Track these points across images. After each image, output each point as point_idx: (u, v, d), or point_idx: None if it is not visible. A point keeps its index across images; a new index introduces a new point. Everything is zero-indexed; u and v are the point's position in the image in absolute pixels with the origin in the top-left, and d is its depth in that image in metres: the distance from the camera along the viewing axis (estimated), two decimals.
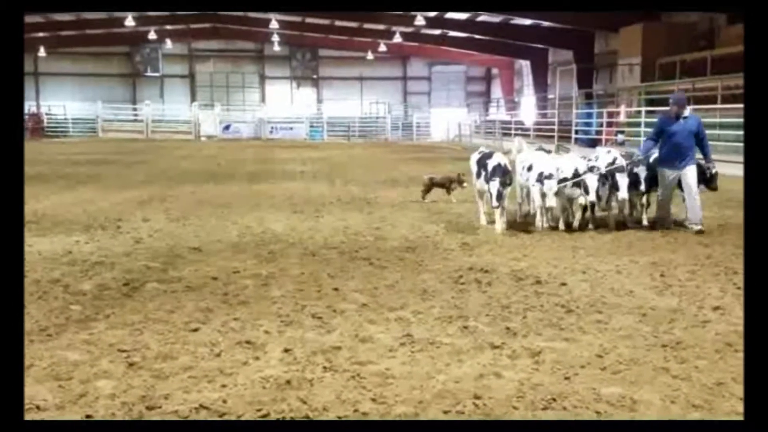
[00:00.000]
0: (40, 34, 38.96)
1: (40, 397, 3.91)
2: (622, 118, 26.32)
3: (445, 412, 3.75)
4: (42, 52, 41.76)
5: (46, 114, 43.96)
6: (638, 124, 24.33)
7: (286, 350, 4.69)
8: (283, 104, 47.30)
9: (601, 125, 27.15)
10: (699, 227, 9.11)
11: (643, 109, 24.57)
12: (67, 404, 3.85)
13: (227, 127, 42.99)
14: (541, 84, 37.40)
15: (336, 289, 6.30)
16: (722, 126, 20.63)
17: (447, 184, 12.71)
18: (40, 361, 4.49)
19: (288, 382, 4.15)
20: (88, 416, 3.70)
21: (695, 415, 3.70)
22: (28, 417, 3.63)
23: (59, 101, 44.23)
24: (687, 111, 9.57)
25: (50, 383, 4.14)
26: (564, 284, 6.50)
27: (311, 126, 43.76)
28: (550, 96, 35.11)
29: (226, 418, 3.68)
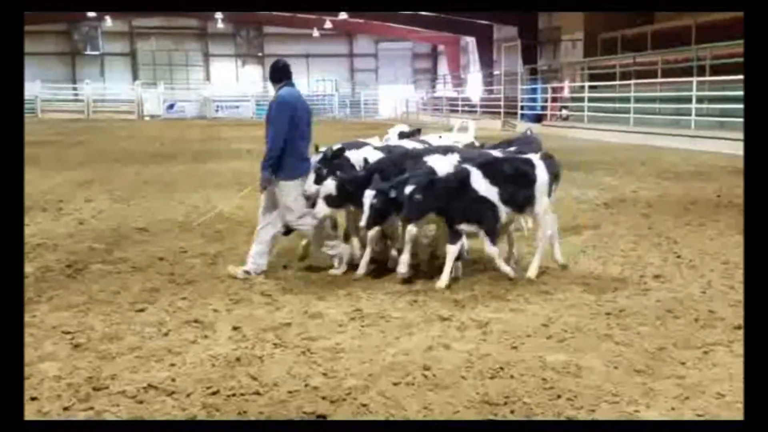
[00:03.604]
0: None
1: None
2: (566, 94, 26.79)
3: (395, 384, 3.79)
4: None
5: None
6: (582, 99, 24.82)
7: (235, 328, 4.67)
8: (228, 83, 46.46)
9: (546, 100, 27.58)
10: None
11: (587, 84, 25.05)
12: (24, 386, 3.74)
13: (171, 107, 41.99)
14: (486, 60, 37.69)
15: (285, 267, 6.27)
16: (662, 100, 21.21)
17: None
18: None
19: (238, 359, 4.13)
20: (33, 398, 3.62)
21: (637, 380, 3.83)
22: None
23: None
24: None
25: None
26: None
27: (257, 104, 43.12)
28: (496, 72, 35.46)
29: (174, 396, 3.64)
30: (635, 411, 3.48)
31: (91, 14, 39.37)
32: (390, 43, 48.43)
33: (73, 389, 3.73)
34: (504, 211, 5.67)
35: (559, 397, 3.64)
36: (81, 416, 3.45)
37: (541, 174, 5.80)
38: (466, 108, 35.42)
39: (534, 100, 28.45)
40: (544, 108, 27.76)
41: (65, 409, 3.51)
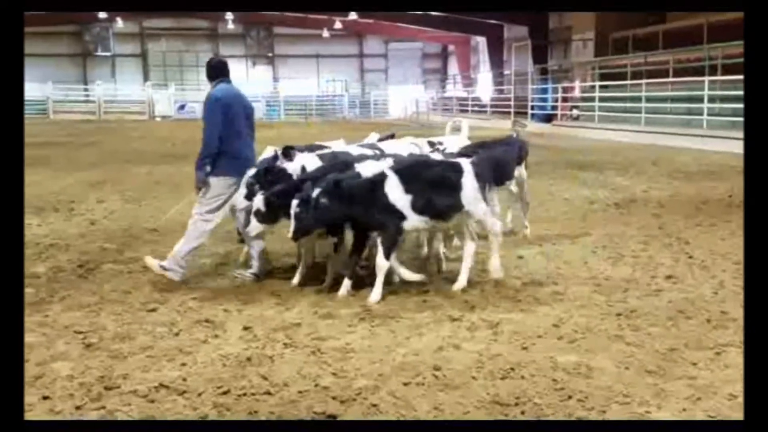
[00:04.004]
0: None
1: None
2: (576, 93, 26.69)
3: (405, 384, 3.79)
4: None
5: None
6: (593, 99, 24.72)
7: (246, 328, 4.68)
8: (238, 83, 46.38)
9: (557, 100, 27.49)
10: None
11: (597, 83, 24.95)
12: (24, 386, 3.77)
13: (182, 107, 42.08)
14: (497, 60, 37.60)
15: (294, 267, 6.27)
16: (673, 99, 21.09)
17: None
18: None
19: (248, 359, 4.14)
20: (45, 397, 3.65)
21: (649, 380, 3.82)
22: None
23: None
24: None
25: None
26: (520, 257, 6.61)
27: (268, 105, 43.19)
28: (506, 72, 35.36)
29: (186, 396, 3.66)
30: (646, 412, 3.47)
31: (103, 15, 39.55)
32: (400, 43, 48.39)
33: (85, 388, 3.75)
34: (417, 220, 5.30)
35: (569, 397, 3.63)
36: (93, 415, 3.48)
37: (469, 181, 5.41)
38: (476, 108, 35.35)
39: (544, 99, 28.35)
40: (554, 108, 27.66)
41: (77, 408, 3.53)
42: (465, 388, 3.74)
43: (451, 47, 47.65)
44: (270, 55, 47.77)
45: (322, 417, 3.46)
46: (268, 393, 3.70)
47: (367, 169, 5.40)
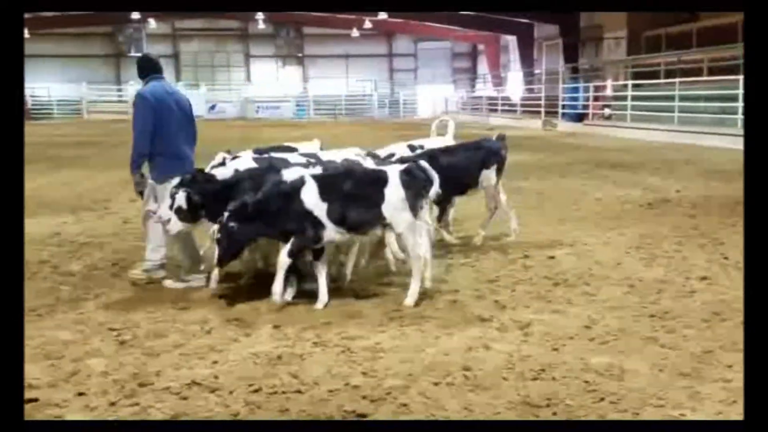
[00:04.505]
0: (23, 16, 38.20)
1: (33, 375, 3.91)
2: (608, 92, 26.36)
3: (435, 384, 3.78)
4: (25, 33, 41.06)
5: (31, 96, 43.31)
6: (625, 98, 24.40)
7: (276, 327, 4.71)
8: (268, 83, 46.90)
9: (588, 99, 27.19)
10: None
11: (630, 82, 24.61)
12: (59, 382, 3.86)
13: (212, 107, 42.58)
14: (527, 59, 37.28)
15: None
16: (707, 98, 20.71)
17: None
18: (32, 340, 4.48)
19: (279, 357, 4.17)
20: (80, 393, 3.72)
21: (683, 383, 3.75)
22: None
23: (43, 83, 43.58)
24: None
25: (42, 362, 4.14)
26: (552, 257, 6.55)
27: (297, 105, 43.45)
28: (537, 71, 35.06)
29: (217, 393, 3.69)
30: (681, 415, 3.41)
31: (135, 16, 40.09)
32: (429, 42, 48.27)
33: (119, 385, 3.81)
34: (333, 230, 5.07)
35: (602, 399, 3.59)
36: (127, 412, 3.53)
37: (393, 192, 5.04)
38: (506, 107, 35.12)
39: (575, 99, 28.05)
40: (585, 107, 27.36)
41: (111, 404, 3.58)
42: (495, 389, 3.72)
43: (480, 46, 47.38)
44: (300, 55, 48.02)
45: (353, 416, 3.47)
46: (299, 391, 3.72)
47: (292, 177, 5.19)
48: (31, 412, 3.49)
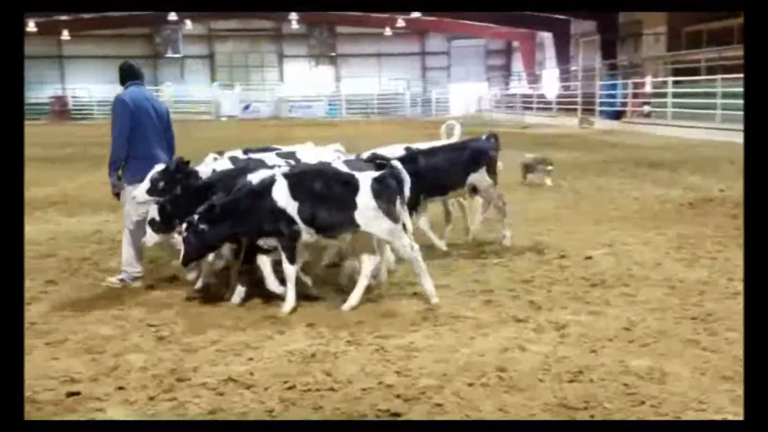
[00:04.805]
0: (63, 17, 39.12)
1: (75, 369, 4.01)
2: (647, 89, 25.88)
3: (470, 385, 3.75)
4: (66, 35, 42.00)
5: (72, 97, 44.30)
6: (665, 95, 23.94)
7: (310, 325, 4.72)
8: (301, 83, 47.17)
9: (626, 96, 26.75)
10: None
11: (670, 79, 24.12)
12: (100, 376, 3.93)
13: (246, 107, 43.00)
14: (563, 56, 36.81)
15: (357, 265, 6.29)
16: None
17: (533, 166, 11.35)
18: (74, 335, 4.59)
19: (313, 355, 4.18)
20: (120, 388, 3.78)
21: (725, 386, 3.65)
22: (64, 389, 3.74)
23: (83, 84, 44.52)
24: None
25: (84, 357, 4.23)
26: (589, 258, 6.44)
27: (329, 104, 43.62)
28: (573, 68, 34.61)
29: (253, 390, 3.71)
30: (723, 419, 3.32)
31: (172, 17, 40.66)
32: (463, 40, 47.98)
33: (158, 380, 3.86)
34: (304, 231, 5.03)
35: (642, 403, 3.52)
36: (166, 406, 3.57)
37: (364, 200, 4.95)
38: (541, 105, 34.75)
39: (613, 96, 27.60)
40: (623, 104, 26.92)
41: (150, 398, 3.64)
42: (531, 391, 3.67)
43: (515, 43, 46.96)
44: (332, 54, 48.18)
45: (386, 415, 3.45)
46: (332, 389, 3.72)
47: (258, 177, 5.17)
48: (73, 406, 3.57)
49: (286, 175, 5.09)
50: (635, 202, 9.53)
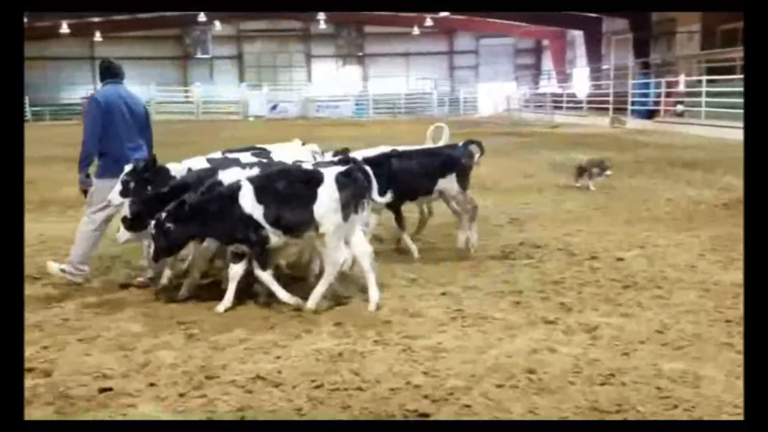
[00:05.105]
0: (96, 19, 39.78)
1: (107, 365, 4.05)
2: (681, 88, 25.46)
3: (499, 386, 3.71)
4: (98, 36, 42.71)
5: None
6: (699, 94, 23.53)
7: (337, 324, 4.72)
8: (329, 83, 47.34)
9: (659, 95, 26.34)
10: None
11: (704, 78, 23.70)
12: (131, 373, 3.97)
13: (274, 107, 43.27)
14: (594, 54, 36.36)
15: (385, 265, 6.27)
16: None
17: (589, 169, 10.79)
18: (107, 332, 4.65)
19: (340, 354, 4.17)
20: (151, 384, 3.81)
21: None
22: (96, 385, 3.79)
23: None
24: None
25: (116, 353, 4.28)
26: (620, 259, 6.34)
27: (356, 104, 43.70)
28: (605, 67, 34.19)
29: (281, 388, 3.72)
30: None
31: (202, 18, 41.09)
32: (491, 39, 47.71)
33: (188, 377, 3.89)
34: (272, 233, 4.96)
35: (675, 407, 3.45)
36: (196, 403, 3.59)
37: (326, 193, 4.88)
38: (571, 104, 34.40)
39: (646, 95, 27.21)
40: (656, 103, 26.51)
41: (181, 395, 3.66)
42: (562, 393, 3.62)
43: (545, 42, 46.56)
44: (360, 54, 48.27)
45: (415, 415, 3.43)
46: (360, 389, 3.71)
47: (228, 178, 5.16)
48: (105, 401, 3.61)
49: (251, 180, 5.05)
50: (668, 203, 9.37)
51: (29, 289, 5.58)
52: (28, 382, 3.80)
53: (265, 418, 3.43)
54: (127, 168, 5.54)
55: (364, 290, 5.42)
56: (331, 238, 4.95)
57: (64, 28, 39.33)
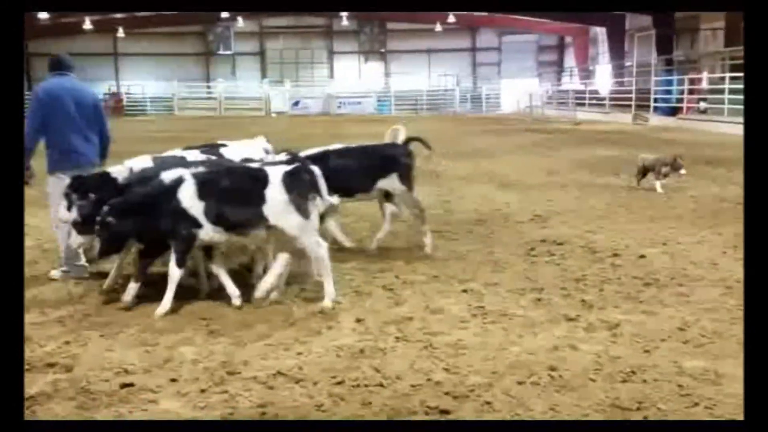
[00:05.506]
0: (119, 16, 40.20)
1: (129, 361, 4.11)
2: (704, 85, 25.14)
3: (520, 383, 3.72)
4: (121, 32, 43.18)
5: (126, 93, 45.54)
6: (722, 91, 23.21)
7: (358, 320, 4.75)
8: (351, 79, 47.39)
9: (682, 93, 26.03)
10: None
11: (728, 75, 23.38)
12: (153, 368, 4.02)
13: (296, 103, 43.42)
14: (617, 51, 36.01)
15: (406, 262, 6.30)
16: None
17: (657, 168, 9.99)
18: (128, 327, 4.71)
19: (361, 351, 4.20)
20: (173, 380, 3.86)
21: None
22: (118, 380, 3.84)
23: (138, 81, 45.72)
24: None
25: (138, 348, 4.33)
26: (642, 257, 6.31)
27: (378, 100, 43.69)
28: (628, 63, 33.85)
29: (302, 384, 3.76)
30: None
31: (224, 15, 41.31)
32: (514, 35, 47.42)
33: (209, 372, 3.94)
34: (211, 230, 4.96)
35: (696, 404, 3.44)
36: (217, 399, 3.64)
37: (275, 194, 4.91)
38: (594, 101, 34.11)
39: (669, 92, 26.89)
40: (679, 101, 26.20)
41: (202, 391, 3.71)
42: (582, 390, 3.62)
43: (568, 39, 46.19)
44: (382, 50, 48.24)
45: (436, 411, 3.45)
46: (381, 385, 3.73)
47: (170, 176, 5.13)
48: (127, 397, 3.66)
49: (195, 175, 5.05)
50: (691, 201, 9.28)
51: (51, 286, 5.68)
52: (50, 377, 3.88)
53: (286, 414, 3.47)
54: (66, 182, 5.46)
55: (386, 288, 5.46)
56: (303, 237, 5.00)
57: (88, 25, 39.80)
